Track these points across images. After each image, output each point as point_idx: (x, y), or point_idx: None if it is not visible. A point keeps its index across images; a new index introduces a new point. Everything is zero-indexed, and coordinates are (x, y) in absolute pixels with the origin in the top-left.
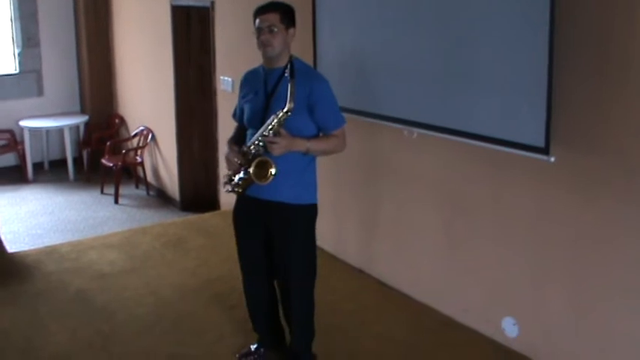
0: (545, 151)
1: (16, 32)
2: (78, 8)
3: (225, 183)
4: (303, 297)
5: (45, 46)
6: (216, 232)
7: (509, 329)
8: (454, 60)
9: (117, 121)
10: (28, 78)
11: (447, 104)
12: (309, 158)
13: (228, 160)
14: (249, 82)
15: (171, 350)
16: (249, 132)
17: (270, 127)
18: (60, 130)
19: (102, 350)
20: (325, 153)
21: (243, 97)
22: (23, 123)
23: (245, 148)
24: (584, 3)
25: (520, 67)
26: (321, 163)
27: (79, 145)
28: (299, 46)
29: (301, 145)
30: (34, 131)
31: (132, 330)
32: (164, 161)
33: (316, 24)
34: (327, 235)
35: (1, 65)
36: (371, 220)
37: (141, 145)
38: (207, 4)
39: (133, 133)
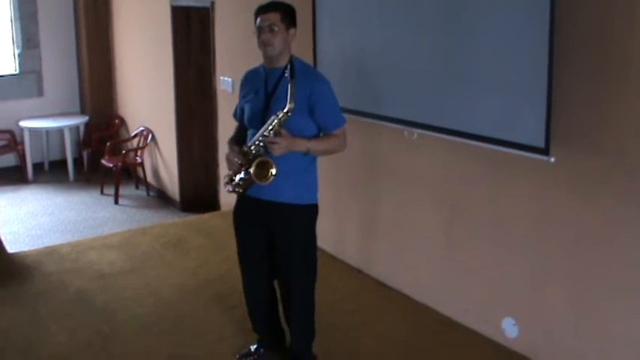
0: (545, 151)
1: (16, 33)
2: (78, 9)
3: (226, 183)
4: (303, 297)
5: (45, 47)
6: (216, 232)
7: (509, 329)
8: (454, 60)
9: (117, 121)
10: (28, 78)
11: (447, 104)
12: (310, 158)
13: (228, 160)
14: (250, 81)
15: (171, 351)
16: (249, 132)
17: (270, 127)
18: (60, 131)
19: (102, 350)
20: (326, 153)
21: (243, 96)
22: (23, 123)
23: (245, 149)
24: (584, 3)
25: (520, 67)
26: (321, 163)
27: (79, 145)
28: (299, 46)
29: (302, 145)
30: (34, 132)
31: (132, 330)
32: (164, 162)
33: (316, 24)
34: (327, 235)
35: (1, 66)
36: (371, 220)
37: (141, 145)
38: (207, 4)
39: (132, 134)
